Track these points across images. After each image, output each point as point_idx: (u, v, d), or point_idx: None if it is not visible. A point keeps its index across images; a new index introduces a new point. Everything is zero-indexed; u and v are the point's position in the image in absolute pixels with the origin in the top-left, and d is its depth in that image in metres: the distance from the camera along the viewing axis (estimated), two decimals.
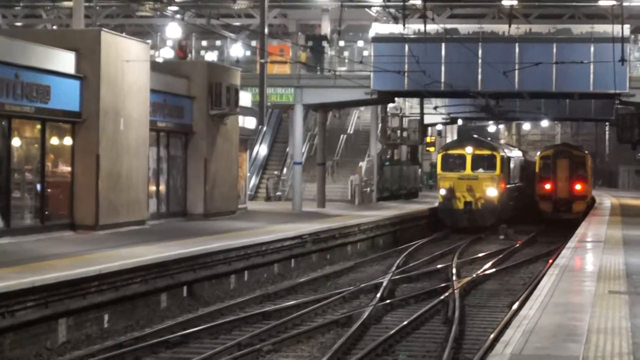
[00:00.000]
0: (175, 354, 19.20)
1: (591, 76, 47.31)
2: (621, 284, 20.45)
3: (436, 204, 56.87)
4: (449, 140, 76.95)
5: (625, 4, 39.33)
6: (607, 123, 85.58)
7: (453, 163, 52.80)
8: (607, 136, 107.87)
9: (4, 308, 18.77)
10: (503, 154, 54.18)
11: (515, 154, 64.61)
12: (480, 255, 39.37)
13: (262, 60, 32.25)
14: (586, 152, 61.33)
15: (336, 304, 25.63)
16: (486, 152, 52.96)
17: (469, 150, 52.58)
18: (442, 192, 52.44)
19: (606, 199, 66.64)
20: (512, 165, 58.68)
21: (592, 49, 47.23)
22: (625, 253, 27.15)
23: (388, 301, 25.96)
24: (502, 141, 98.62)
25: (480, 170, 52.48)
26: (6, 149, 28.78)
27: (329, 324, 22.42)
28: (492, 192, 51.98)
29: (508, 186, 56.12)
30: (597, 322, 15.48)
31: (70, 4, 43.43)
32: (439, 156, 54.24)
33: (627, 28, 43.80)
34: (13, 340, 18.99)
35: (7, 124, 28.71)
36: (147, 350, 19.28)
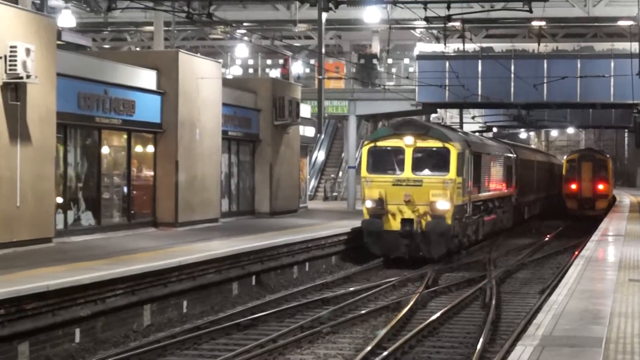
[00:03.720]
0: (246, 336, 19.26)
1: (611, 88, 47.05)
2: None
3: None
4: None
5: None
6: (626, 130, 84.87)
7: (385, 161, 32.62)
8: (626, 141, 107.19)
9: (96, 295, 18.94)
10: (463, 147, 33.20)
11: (498, 149, 43.79)
12: (514, 248, 39.20)
13: (320, 77, 32.28)
14: (607, 155, 60.95)
15: (387, 292, 25.61)
16: (435, 143, 32.16)
17: (408, 141, 32.10)
18: (368, 204, 32.06)
19: (626, 198, 66.18)
20: (486, 164, 38.59)
21: (612, 64, 46.97)
22: None
23: (433, 289, 25.97)
24: (532, 146, 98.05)
25: (426, 171, 32.06)
26: (97, 156, 29.01)
27: (380, 309, 22.40)
28: (443, 205, 31.42)
29: (477, 196, 36.22)
30: (618, 306, 15.41)
31: (151, 28, 43.73)
32: (364, 150, 33.23)
33: None
34: (104, 323, 19.14)
35: (97, 134, 28.94)
36: (220, 332, 19.37)
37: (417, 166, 31.92)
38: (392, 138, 32.54)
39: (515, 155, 47.19)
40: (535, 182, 55.82)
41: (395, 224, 31.63)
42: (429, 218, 31.37)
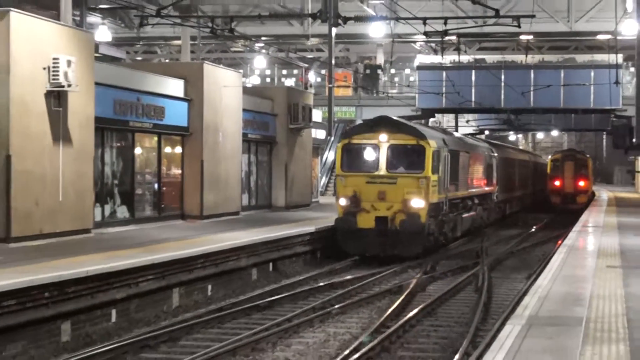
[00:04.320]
0: (264, 316, 19.29)
1: (591, 95, 47.17)
2: (616, 260, 20.34)
3: None
4: None
5: (618, 37, 38.96)
6: (604, 132, 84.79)
7: (359, 158, 29.61)
8: (604, 143, 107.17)
9: (131, 280, 19.00)
10: (439, 145, 30.26)
11: (477, 147, 39.88)
12: (503, 238, 39.21)
13: (330, 85, 32.31)
14: (588, 155, 60.89)
15: (389, 277, 25.63)
16: (409, 140, 29.18)
17: (383, 138, 29.18)
18: (342, 202, 29.10)
19: (604, 193, 66.15)
20: (465, 162, 35.22)
21: (592, 73, 47.11)
22: (620, 235, 26.98)
23: (430, 274, 25.95)
24: (520, 146, 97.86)
25: (401, 169, 29.19)
26: (131, 156, 29.07)
27: (384, 292, 22.43)
28: (417, 203, 28.39)
29: (455, 194, 32.97)
30: (597, 290, 15.43)
31: (179, 42, 43.75)
32: (339, 147, 30.40)
33: (620, 57, 43.57)
34: (137, 305, 19.20)
35: (131, 136, 28.99)
36: (241, 312, 19.41)
37: (391, 163, 29.05)
38: (366, 135, 29.42)
39: (496, 154, 43.87)
40: (518, 179, 53.60)
41: (369, 222, 28.57)
42: (403, 216, 28.30)
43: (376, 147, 29.12)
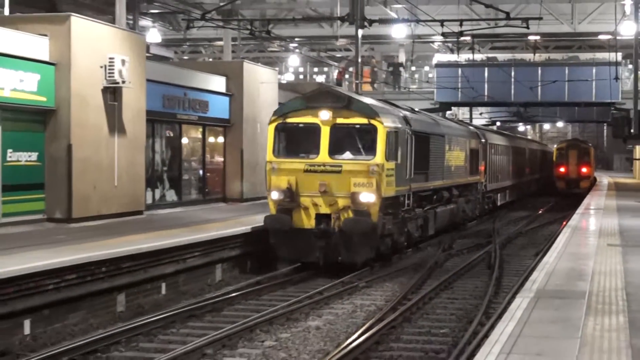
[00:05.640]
0: (298, 289, 19.18)
1: (593, 90, 46.79)
2: (616, 239, 20.20)
3: None
4: None
5: (618, 37, 38.66)
6: (605, 123, 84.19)
7: (296, 141, 21.26)
8: (605, 133, 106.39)
9: (179, 256, 19.09)
10: (397, 125, 21.80)
11: (456, 131, 31.05)
12: (513, 219, 39.03)
13: (357, 81, 32.26)
14: (590, 144, 60.53)
15: (410, 254, 25.45)
16: (358, 119, 20.69)
17: (325, 116, 20.64)
18: (275, 195, 20.81)
19: (605, 179, 65.68)
20: (438, 148, 26.90)
21: (594, 70, 46.72)
22: (619, 217, 26.80)
23: (447, 252, 25.83)
24: (529, 136, 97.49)
25: (347, 155, 20.73)
26: (178, 145, 29.19)
27: (404, 268, 22.28)
28: (366, 197, 20.23)
29: (423, 185, 24.91)
30: (598, 266, 15.34)
31: (221, 43, 43.76)
32: (270, 128, 21.49)
33: (619, 55, 43.27)
34: (184, 279, 19.28)
35: (178, 128, 29.10)
36: (277, 286, 19.39)
37: (335, 148, 20.59)
38: (304, 112, 20.92)
39: (484, 140, 36.34)
40: (513, 168, 46.90)
41: (308, 221, 20.54)
42: (350, 214, 20.22)
43: (317, 128, 20.67)
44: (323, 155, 20.59)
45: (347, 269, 20.64)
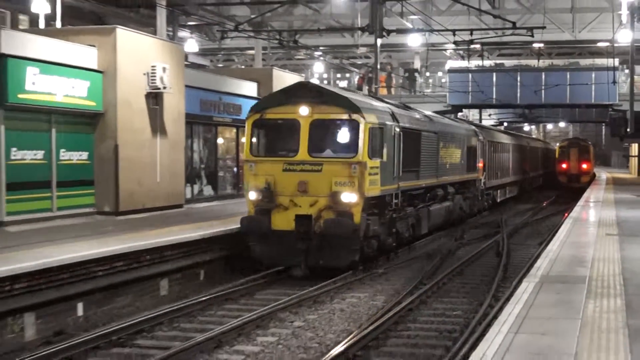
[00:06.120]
0: (323, 275, 19.30)
1: (593, 93, 46.57)
2: (614, 229, 20.13)
3: None
4: None
5: (615, 45, 38.48)
6: (603, 123, 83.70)
7: (274, 138, 18.52)
8: (603, 132, 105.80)
9: (216, 245, 19.17)
10: (382, 120, 18.90)
11: (451, 127, 27.82)
12: (520, 211, 38.91)
13: (375, 86, 32.22)
14: (589, 142, 60.18)
15: (424, 244, 25.50)
16: (339, 114, 17.81)
17: (304, 111, 17.86)
18: (252, 195, 18.11)
19: (603, 174, 65.37)
20: (431, 145, 23.96)
21: (593, 75, 46.52)
22: (617, 209, 26.67)
23: (460, 241, 25.82)
24: (533, 135, 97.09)
25: (328, 152, 18.03)
26: (214, 145, 29.32)
27: (419, 256, 22.31)
28: (348, 197, 17.46)
29: (414, 183, 22.01)
30: (598, 254, 15.32)
31: (252, 51, 43.88)
32: (248, 124, 18.49)
33: (617, 61, 43.06)
34: (221, 265, 19.37)
35: (214, 129, 29.23)
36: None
37: (315, 145, 17.95)
38: (283, 108, 18.18)
39: (482, 138, 33.45)
40: (514, 164, 44.35)
41: (287, 222, 17.79)
42: (331, 214, 17.53)
43: (296, 124, 17.98)
44: (302, 153, 17.85)
45: (333, 273, 18.08)
